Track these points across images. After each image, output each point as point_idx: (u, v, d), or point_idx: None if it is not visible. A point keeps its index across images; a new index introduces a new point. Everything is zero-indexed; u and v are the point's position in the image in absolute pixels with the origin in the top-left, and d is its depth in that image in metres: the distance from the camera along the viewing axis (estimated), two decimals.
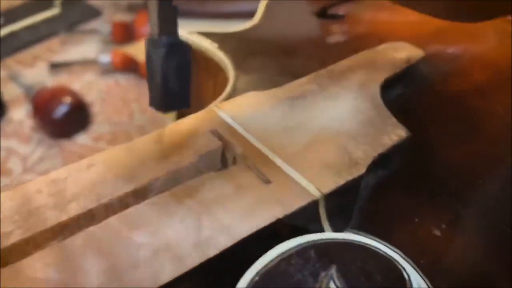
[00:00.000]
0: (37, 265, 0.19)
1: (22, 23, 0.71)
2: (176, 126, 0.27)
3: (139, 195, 0.23)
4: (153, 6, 0.19)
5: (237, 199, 0.23)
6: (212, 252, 0.20)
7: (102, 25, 0.74)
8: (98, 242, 0.20)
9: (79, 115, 0.59)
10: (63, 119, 0.57)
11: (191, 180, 0.24)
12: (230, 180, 0.24)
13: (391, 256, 0.22)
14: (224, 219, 0.22)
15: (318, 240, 0.22)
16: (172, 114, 0.39)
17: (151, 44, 0.20)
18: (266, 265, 0.21)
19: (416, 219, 0.27)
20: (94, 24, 0.76)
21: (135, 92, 0.66)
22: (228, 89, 0.34)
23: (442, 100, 0.36)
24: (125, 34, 0.71)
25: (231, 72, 0.35)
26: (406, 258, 0.23)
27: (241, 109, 0.28)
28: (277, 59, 0.39)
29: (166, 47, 0.19)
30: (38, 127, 0.59)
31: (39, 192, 0.22)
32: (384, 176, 0.29)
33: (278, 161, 0.25)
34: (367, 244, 0.22)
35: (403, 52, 0.36)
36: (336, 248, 0.22)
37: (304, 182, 0.24)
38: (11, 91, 0.63)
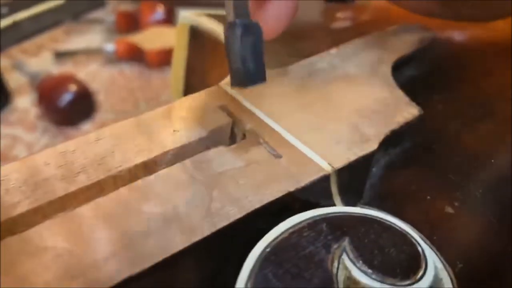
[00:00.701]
0: (46, 234, 0.19)
1: (26, 13, 0.70)
2: (185, 101, 0.26)
3: (148, 167, 0.23)
4: None
5: (248, 173, 0.22)
6: (223, 223, 0.20)
7: (106, 14, 0.74)
8: (108, 212, 0.20)
9: (84, 103, 0.59)
10: (68, 107, 0.57)
11: (200, 154, 0.23)
12: (241, 154, 0.24)
13: (405, 230, 0.22)
14: (234, 192, 0.21)
15: (330, 213, 0.22)
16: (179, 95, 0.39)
17: (229, 27, 0.22)
18: (278, 237, 0.20)
19: (428, 197, 0.26)
20: (98, 13, 0.76)
21: (140, 81, 0.65)
22: None
23: (454, 82, 0.35)
24: (129, 23, 0.71)
25: None
26: (420, 234, 0.23)
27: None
28: (286, 42, 0.38)
29: (241, 28, 0.22)
30: (43, 115, 0.58)
31: (46, 164, 0.22)
32: (395, 155, 0.28)
33: (289, 137, 0.25)
34: (380, 218, 0.22)
35: (414, 34, 0.36)
36: (349, 221, 0.22)
37: (315, 157, 0.24)
38: (16, 80, 0.63)
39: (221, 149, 0.24)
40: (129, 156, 0.23)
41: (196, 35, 0.39)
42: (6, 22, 0.68)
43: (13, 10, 0.69)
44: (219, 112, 0.26)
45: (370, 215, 0.22)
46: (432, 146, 0.30)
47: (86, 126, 0.58)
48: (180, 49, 0.41)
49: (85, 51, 0.68)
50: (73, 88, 0.58)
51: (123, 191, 0.21)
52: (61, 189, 0.21)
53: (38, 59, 0.67)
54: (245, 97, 0.27)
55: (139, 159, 0.23)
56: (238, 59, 0.23)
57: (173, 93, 0.45)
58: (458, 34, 0.40)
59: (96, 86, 0.63)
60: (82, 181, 0.21)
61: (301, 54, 0.34)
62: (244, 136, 0.25)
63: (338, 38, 0.37)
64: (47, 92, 0.58)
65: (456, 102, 0.33)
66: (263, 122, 0.25)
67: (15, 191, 0.21)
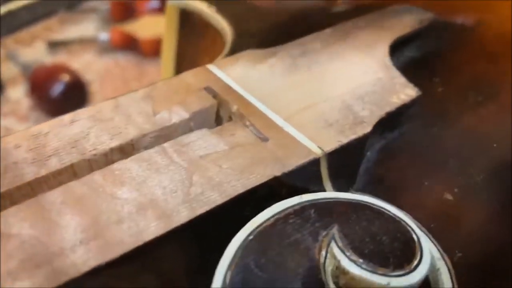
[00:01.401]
0: (12, 220, 0.18)
1: (20, 2, 0.69)
2: (167, 83, 0.25)
3: (125, 151, 0.21)
4: None
5: (231, 157, 0.21)
6: (202, 209, 0.19)
7: (101, 3, 0.73)
8: (79, 197, 0.19)
9: (77, 93, 0.58)
10: (60, 97, 0.56)
11: (181, 137, 0.22)
12: (225, 137, 0.22)
13: (398, 217, 0.20)
14: (217, 176, 0.20)
15: (318, 199, 0.20)
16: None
17: None
18: (261, 224, 0.19)
19: (426, 183, 0.25)
20: (93, 2, 0.74)
21: (135, 71, 0.64)
22: (225, 51, 0.32)
23: (455, 66, 0.34)
24: (124, 12, 0.70)
25: (229, 37, 0.34)
26: (415, 221, 0.21)
27: (237, 66, 0.27)
28: (279, 25, 0.37)
29: None
30: (35, 106, 0.57)
31: (17, 147, 0.21)
32: (392, 139, 0.27)
33: (277, 119, 0.23)
34: (372, 203, 0.21)
35: (414, 14, 0.34)
36: (339, 207, 0.20)
37: (304, 140, 0.22)
38: (9, 70, 0.62)
39: (204, 131, 0.22)
40: (105, 139, 0.21)
41: (186, 17, 0.38)
42: (0, 11, 0.67)
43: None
44: (204, 93, 0.24)
45: (362, 200, 0.21)
46: (431, 130, 0.28)
47: None
48: (169, 33, 0.40)
49: (79, 41, 0.67)
50: (65, 78, 0.57)
51: (96, 175, 0.20)
52: (30, 173, 0.20)
53: (32, 49, 0.66)
54: (232, 78, 0.25)
55: (115, 142, 0.21)
56: None
57: (163, 76, 0.43)
58: (459, 16, 0.39)
59: (90, 76, 0.62)
60: (54, 165, 0.20)
61: (294, 38, 0.32)
62: (230, 119, 0.24)
63: (336, 21, 0.36)
64: (39, 82, 0.57)
65: (457, 85, 0.32)
66: (250, 104, 0.24)
67: None
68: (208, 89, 0.25)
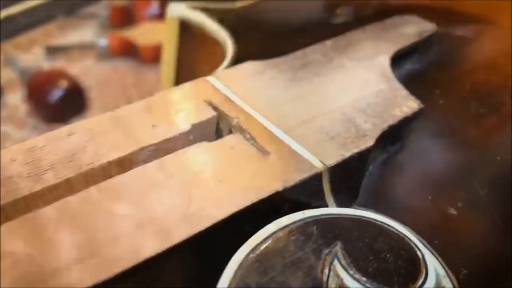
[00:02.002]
0: (4, 237, 0.17)
1: (19, 7, 0.68)
2: (166, 95, 0.25)
3: (124, 165, 0.21)
4: None
5: (232, 171, 0.21)
6: (203, 225, 0.18)
7: (100, 8, 0.72)
8: (74, 214, 0.18)
9: (75, 99, 0.57)
10: (58, 103, 0.55)
11: (180, 150, 0.21)
12: (225, 150, 0.22)
13: (403, 234, 0.20)
14: (217, 191, 0.20)
15: (321, 215, 0.20)
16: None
17: None
18: (263, 241, 0.19)
19: (430, 197, 0.25)
20: (92, 8, 0.74)
21: (134, 77, 0.63)
22: (225, 63, 0.31)
23: (455, 77, 0.34)
24: (124, 18, 0.69)
25: (229, 49, 0.33)
26: (419, 237, 0.21)
27: (237, 78, 0.26)
28: (279, 37, 0.37)
29: None
30: (32, 111, 0.57)
31: (12, 160, 0.20)
32: (393, 153, 0.26)
33: (278, 133, 0.23)
34: (376, 220, 0.20)
35: (414, 26, 0.34)
36: (342, 224, 0.20)
37: (306, 154, 0.22)
38: (6, 76, 0.61)
39: (204, 144, 0.22)
40: (102, 152, 0.21)
41: (185, 28, 0.38)
42: None
43: (6, 4, 0.68)
44: (204, 105, 0.24)
45: (365, 217, 0.20)
46: (433, 143, 0.28)
47: None
48: (170, 43, 0.39)
49: (78, 46, 0.66)
50: (63, 84, 0.56)
51: (92, 190, 0.19)
52: (25, 188, 0.19)
53: (30, 54, 0.66)
54: (232, 90, 0.25)
55: (113, 156, 0.21)
56: None
57: (164, 87, 0.43)
58: (459, 27, 0.38)
59: (88, 82, 0.61)
60: (49, 179, 0.20)
61: (295, 50, 0.32)
62: (230, 132, 0.24)
63: (336, 32, 0.36)
64: (37, 87, 0.56)
65: (458, 96, 0.32)
66: (250, 116, 0.24)
67: None
68: (208, 102, 0.24)
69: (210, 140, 0.23)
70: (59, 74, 0.57)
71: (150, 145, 0.21)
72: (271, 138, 0.23)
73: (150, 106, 0.24)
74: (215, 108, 0.24)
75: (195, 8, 0.37)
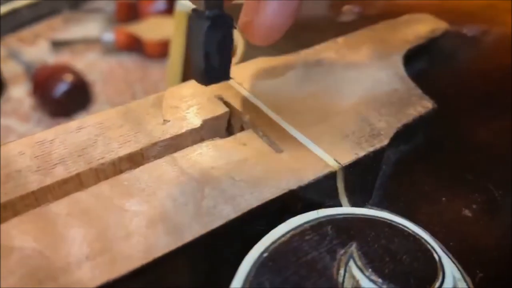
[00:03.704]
0: (14, 232, 0.17)
1: (23, 1, 0.68)
2: (177, 90, 0.24)
3: (135, 160, 0.21)
4: None
5: (244, 168, 0.20)
6: (215, 223, 0.18)
7: (106, 3, 0.72)
8: (85, 209, 0.18)
9: (80, 94, 0.56)
10: (63, 97, 0.55)
11: (192, 146, 0.21)
12: (237, 147, 0.21)
13: (419, 235, 0.19)
14: (229, 189, 0.19)
15: (336, 214, 0.20)
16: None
17: (196, 16, 0.19)
18: (276, 240, 0.18)
19: (444, 199, 0.24)
20: (98, 2, 0.74)
21: (139, 73, 0.63)
22: (235, 60, 0.31)
23: (468, 77, 0.33)
24: (129, 12, 0.69)
25: (239, 44, 0.33)
26: (435, 239, 0.21)
27: (249, 74, 0.26)
28: (289, 33, 0.36)
29: (210, 20, 0.18)
30: (37, 105, 0.56)
31: (21, 154, 0.20)
32: (406, 152, 0.26)
33: (291, 130, 0.22)
34: (391, 220, 0.20)
35: (426, 24, 0.33)
36: (357, 224, 0.19)
37: (320, 152, 0.21)
38: (11, 69, 0.61)
39: (215, 141, 0.21)
40: (113, 147, 0.20)
41: None
42: (3, 9, 0.66)
43: None
44: (215, 101, 0.23)
45: (380, 217, 0.20)
46: (446, 143, 0.28)
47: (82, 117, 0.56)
48: (177, 39, 0.39)
49: (83, 41, 0.66)
50: (69, 78, 0.56)
51: (103, 185, 0.19)
52: (34, 182, 0.19)
53: (35, 48, 0.65)
54: (244, 86, 0.24)
55: (123, 151, 0.20)
56: (201, 55, 0.19)
57: (169, 83, 0.42)
58: (471, 27, 0.38)
59: (93, 77, 0.61)
60: (59, 173, 0.19)
61: (305, 46, 0.31)
62: (242, 128, 0.23)
63: (346, 29, 0.35)
64: (42, 81, 0.55)
65: (470, 97, 0.31)
66: (263, 113, 0.23)
67: None
68: (219, 97, 0.24)
69: (221, 136, 0.23)
70: (64, 69, 0.57)
71: (162, 141, 0.21)
72: (284, 136, 0.22)
73: (161, 101, 0.23)
74: (226, 103, 0.24)
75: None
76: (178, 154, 0.20)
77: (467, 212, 0.23)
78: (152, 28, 0.66)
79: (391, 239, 0.19)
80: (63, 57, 0.64)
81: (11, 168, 0.19)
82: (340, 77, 0.27)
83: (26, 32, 0.68)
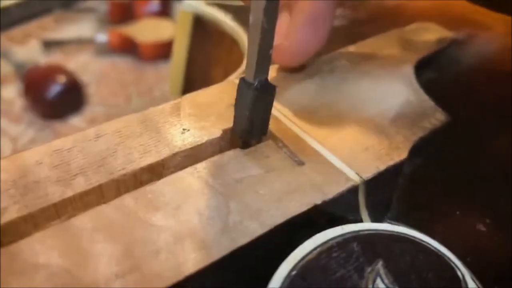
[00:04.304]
0: (38, 248, 0.16)
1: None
2: (194, 97, 0.24)
3: (155, 171, 0.20)
4: (253, 53, 0.19)
5: (268, 181, 0.20)
6: (243, 240, 0.17)
7: (99, 3, 0.71)
8: (110, 223, 0.17)
9: (73, 95, 0.56)
10: (56, 99, 0.54)
11: (214, 157, 0.21)
12: (259, 159, 0.21)
13: (441, 252, 0.19)
14: (254, 203, 0.19)
15: (360, 231, 0.19)
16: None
17: (245, 84, 0.20)
18: (304, 257, 0.18)
19: (458, 212, 0.24)
20: (90, 2, 0.73)
21: (133, 74, 0.62)
22: (244, 64, 0.30)
23: (477, 86, 0.33)
24: (123, 13, 0.68)
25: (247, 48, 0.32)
26: (456, 257, 0.20)
27: None
28: None
29: (257, 92, 0.20)
30: (29, 107, 0.55)
31: (39, 163, 0.19)
32: (420, 164, 0.26)
33: (311, 141, 0.22)
34: (414, 237, 0.20)
35: (434, 33, 0.33)
36: (381, 240, 0.19)
37: (341, 165, 0.21)
38: (1, 68, 0.60)
39: (237, 152, 0.21)
40: (134, 157, 0.20)
41: (199, 24, 0.36)
42: None
43: None
44: (233, 110, 0.23)
45: (403, 233, 0.20)
46: (458, 156, 0.27)
47: (75, 119, 0.55)
48: (181, 39, 0.38)
49: (75, 41, 0.65)
50: (62, 79, 0.55)
51: (127, 198, 0.18)
52: (55, 194, 0.18)
53: (25, 48, 0.64)
54: None
55: (145, 161, 0.20)
56: (246, 117, 0.21)
57: (171, 86, 0.41)
58: (479, 35, 0.38)
59: (86, 78, 0.60)
60: (80, 185, 0.18)
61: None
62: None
63: (353, 32, 0.35)
64: (34, 82, 0.55)
65: (481, 108, 0.31)
66: (281, 123, 0.23)
67: (2, 195, 0.18)
68: None
69: (238, 144, 0.22)
70: (57, 69, 0.56)
71: (182, 151, 0.21)
72: (304, 148, 0.22)
73: (179, 108, 0.23)
74: None
75: (210, 4, 0.36)
76: (201, 166, 0.20)
77: (481, 227, 0.23)
78: (146, 30, 0.65)
79: (415, 256, 0.19)
80: (55, 58, 0.63)
81: (29, 178, 0.18)
82: (354, 87, 0.26)
83: (17, 31, 0.66)
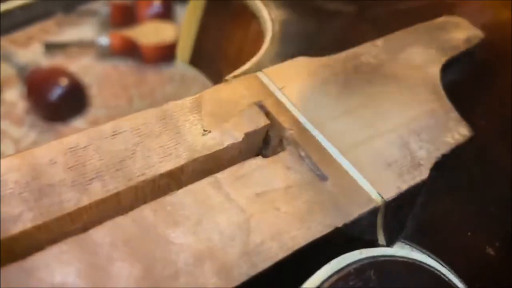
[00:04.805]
0: (54, 264, 0.15)
1: (16, 2, 0.66)
2: (215, 93, 0.23)
3: (174, 175, 0.19)
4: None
5: (289, 198, 0.19)
6: (264, 264, 0.17)
7: (100, 6, 0.70)
8: (128, 239, 0.16)
9: (76, 98, 0.55)
10: (59, 101, 0.53)
11: (235, 166, 0.20)
12: (282, 171, 0.20)
13: (453, 282, 0.19)
14: (275, 222, 0.18)
15: (376, 256, 0.19)
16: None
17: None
18: (322, 284, 0.17)
19: (469, 233, 0.23)
20: (92, 5, 0.72)
21: (135, 77, 0.62)
22: (265, 46, 0.28)
23: (500, 93, 0.31)
24: (125, 16, 0.67)
25: (268, 24, 0.30)
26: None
27: (290, 79, 0.24)
28: (319, 14, 0.33)
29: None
30: (31, 109, 0.55)
31: (52, 163, 0.18)
32: (434, 180, 0.25)
33: (334, 152, 0.22)
34: (429, 266, 0.19)
35: (463, 31, 0.32)
36: (397, 268, 0.19)
37: (364, 183, 0.21)
38: (4, 71, 0.59)
39: (259, 161, 0.20)
40: (153, 161, 0.19)
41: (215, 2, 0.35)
42: None
43: None
44: (256, 110, 0.22)
45: (418, 261, 0.20)
46: (473, 171, 0.27)
47: (77, 122, 0.55)
48: (194, 8, 0.36)
49: (77, 44, 0.64)
50: (64, 81, 0.54)
51: (146, 210, 0.17)
52: (70, 202, 0.17)
53: (28, 50, 0.63)
54: (284, 93, 0.23)
55: (164, 167, 0.19)
56: None
57: (180, 53, 0.39)
58: (504, 34, 0.35)
59: (88, 81, 0.59)
60: (97, 191, 0.18)
61: (336, 34, 0.30)
62: (281, 142, 0.22)
63: (380, 15, 0.34)
64: (36, 85, 0.54)
65: (502, 117, 0.30)
66: (304, 129, 0.22)
67: (15, 199, 0.17)
68: (259, 106, 0.22)
69: (257, 146, 0.22)
70: (59, 72, 0.56)
71: (202, 156, 0.20)
72: (327, 159, 0.21)
73: (199, 104, 0.22)
74: (267, 113, 0.22)
75: None
76: (222, 175, 0.19)
77: (490, 251, 0.23)
78: (147, 32, 0.64)
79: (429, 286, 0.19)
80: (57, 60, 0.62)
81: (43, 181, 0.17)
82: (379, 90, 0.26)
83: (19, 34, 0.66)
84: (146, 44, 0.63)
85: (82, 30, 0.68)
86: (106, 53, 0.63)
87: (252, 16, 0.32)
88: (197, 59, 0.37)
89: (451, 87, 0.29)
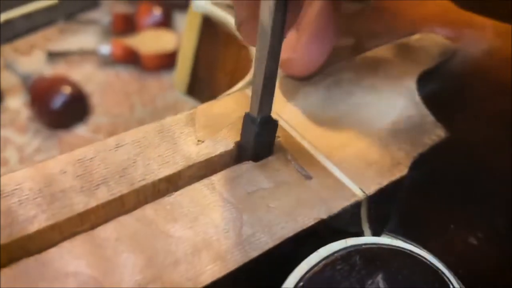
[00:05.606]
0: (67, 257, 0.17)
1: (19, 11, 0.68)
2: (208, 108, 0.25)
3: (172, 181, 0.21)
4: (258, 91, 0.21)
5: (278, 195, 0.21)
6: (255, 252, 0.19)
7: (102, 15, 0.72)
8: (132, 234, 0.18)
9: (78, 105, 0.57)
10: (62, 109, 0.55)
11: (227, 170, 0.22)
12: (270, 173, 0.22)
13: (436, 266, 0.21)
14: (265, 216, 0.20)
15: (362, 244, 0.21)
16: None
17: (250, 119, 0.22)
18: (310, 269, 0.19)
19: (452, 226, 0.25)
20: (93, 14, 0.74)
21: (136, 85, 0.64)
22: (254, 67, 0.30)
23: (478, 99, 0.33)
24: (126, 25, 0.69)
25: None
26: (451, 272, 0.22)
27: (276, 93, 0.26)
28: None
29: (260, 126, 0.22)
30: (35, 117, 0.56)
31: (63, 172, 0.20)
32: (417, 178, 0.27)
33: (318, 155, 0.24)
34: (412, 251, 0.21)
35: (437, 45, 0.34)
36: (381, 254, 0.20)
37: (346, 180, 0.23)
38: (7, 79, 0.61)
39: (249, 165, 0.22)
40: (153, 168, 0.21)
41: (208, 25, 0.37)
42: None
43: (6, 7, 0.67)
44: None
45: (403, 247, 0.21)
46: (455, 169, 0.29)
47: (80, 129, 0.56)
48: (189, 39, 0.39)
49: (79, 52, 0.66)
50: (67, 90, 0.56)
51: (147, 209, 0.19)
52: (80, 204, 0.19)
53: (30, 59, 0.65)
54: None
55: (163, 172, 0.21)
56: (251, 150, 0.23)
57: (177, 84, 0.42)
58: (481, 45, 0.37)
59: (90, 89, 0.61)
60: (103, 194, 0.20)
61: None
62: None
63: (359, 35, 0.36)
64: (40, 93, 0.56)
65: (481, 121, 0.32)
66: (290, 136, 0.24)
67: (30, 203, 0.19)
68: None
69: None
70: (62, 80, 0.57)
71: (198, 163, 0.22)
72: (312, 162, 0.23)
73: (194, 118, 0.24)
74: None
75: (219, 4, 0.36)
76: (215, 178, 0.21)
77: (473, 240, 0.25)
78: (148, 41, 0.66)
79: (412, 270, 0.20)
80: (59, 68, 0.64)
81: (55, 188, 0.20)
82: (359, 100, 0.28)
83: (22, 42, 0.68)
84: (146, 52, 0.64)
85: (84, 39, 0.70)
86: (108, 61, 0.65)
87: (241, 45, 0.34)
88: (193, 88, 0.39)
89: (430, 96, 0.31)
